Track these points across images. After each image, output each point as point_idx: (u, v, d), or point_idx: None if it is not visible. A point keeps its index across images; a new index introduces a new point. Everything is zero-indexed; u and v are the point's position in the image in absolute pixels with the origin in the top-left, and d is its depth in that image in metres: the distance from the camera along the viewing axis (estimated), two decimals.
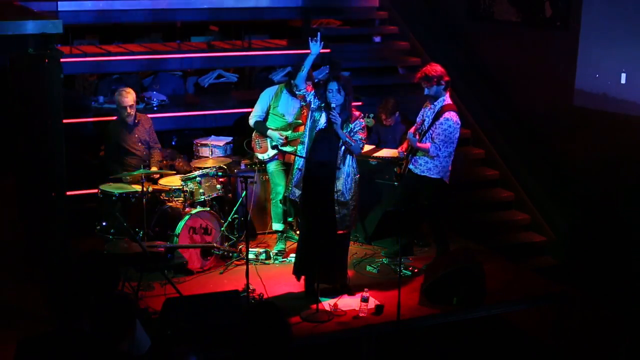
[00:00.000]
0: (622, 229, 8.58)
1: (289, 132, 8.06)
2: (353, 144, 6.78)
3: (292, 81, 7.98)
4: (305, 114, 7.95)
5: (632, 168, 8.42)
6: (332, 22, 11.63)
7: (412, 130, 7.48)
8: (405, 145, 7.88)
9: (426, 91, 7.44)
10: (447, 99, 7.43)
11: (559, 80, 9.24)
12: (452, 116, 7.30)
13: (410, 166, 7.55)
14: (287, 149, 7.93)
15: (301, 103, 6.94)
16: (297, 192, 6.89)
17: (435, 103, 7.41)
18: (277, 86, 8.20)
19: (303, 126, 7.95)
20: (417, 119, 7.65)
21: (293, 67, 8.30)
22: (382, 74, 11.11)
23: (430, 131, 7.37)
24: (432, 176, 7.42)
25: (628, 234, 8.50)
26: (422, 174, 7.45)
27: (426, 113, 7.51)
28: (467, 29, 10.73)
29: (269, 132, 8.06)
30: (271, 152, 8.09)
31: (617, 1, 8.57)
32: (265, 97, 8.15)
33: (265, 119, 8.16)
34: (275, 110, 8.08)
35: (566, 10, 9.13)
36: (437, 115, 7.35)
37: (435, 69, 7.39)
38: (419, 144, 7.34)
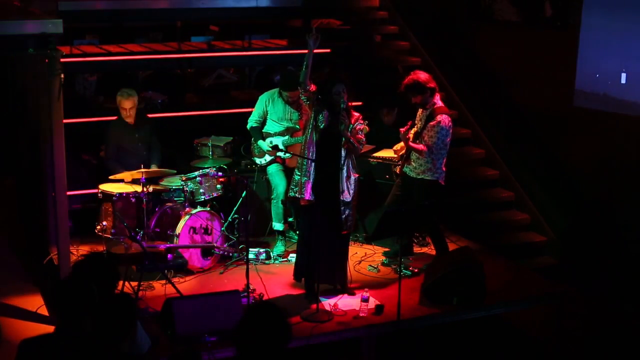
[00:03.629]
0: (622, 229, 8.58)
1: (287, 137, 8.05)
2: (355, 145, 6.79)
3: (282, 91, 7.98)
4: (303, 119, 7.96)
5: (632, 168, 8.42)
6: (332, 22, 11.62)
7: (402, 130, 7.44)
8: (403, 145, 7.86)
9: (413, 100, 7.45)
10: (437, 101, 7.43)
11: (559, 80, 9.23)
12: (443, 119, 7.31)
13: (405, 169, 7.55)
14: (283, 154, 7.96)
15: (306, 102, 6.91)
16: (307, 193, 6.85)
17: (426, 107, 7.43)
18: (273, 91, 8.17)
19: (301, 131, 7.97)
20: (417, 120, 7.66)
21: (281, 75, 8.30)
22: (382, 74, 11.11)
23: (423, 134, 7.37)
24: (427, 178, 7.43)
25: (628, 233, 8.50)
26: (418, 177, 7.45)
27: (419, 116, 7.53)
28: (467, 29, 10.73)
29: (259, 142, 8.07)
30: (268, 157, 8.10)
31: (617, 1, 8.57)
32: (261, 102, 8.14)
33: (264, 123, 8.16)
34: (272, 115, 8.08)
35: (566, 10, 9.13)
36: (429, 118, 7.36)
37: (417, 77, 7.38)
38: (411, 144, 7.34)
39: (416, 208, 6.97)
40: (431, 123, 7.33)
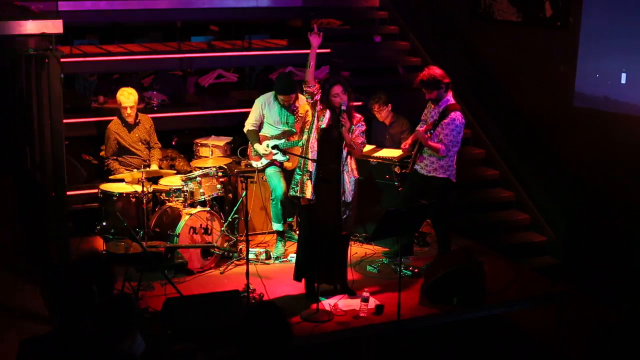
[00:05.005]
0: (622, 229, 8.57)
1: (283, 140, 8.04)
2: (356, 146, 6.78)
3: (278, 95, 7.96)
4: (299, 122, 7.96)
5: (632, 168, 8.42)
6: (332, 22, 11.63)
7: (422, 129, 7.41)
8: (409, 142, 7.80)
9: (427, 95, 7.40)
10: (450, 99, 7.39)
11: (559, 80, 9.23)
12: (457, 116, 7.27)
13: (416, 166, 7.52)
14: (281, 157, 7.95)
15: (309, 100, 6.90)
16: (308, 192, 6.82)
17: (439, 104, 7.38)
18: (269, 94, 8.15)
19: (297, 135, 7.97)
20: (422, 117, 7.62)
21: (276, 79, 8.28)
22: (382, 74, 11.11)
23: (437, 132, 7.32)
24: (439, 176, 7.39)
25: (628, 233, 8.50)
26: (429, 175, 7.41)
27: (430, 113, 7.48)
28: (467, 29, 10.73)
29: (255, 145, 8.07)
30: (265, 161, 8.09)
31: (617, 1, 8.57)
32: (258, 106, 8.12)
33: (261, 126, 8.15)
34: (268, 119, 8.07)
35: (566, 10, 9.13)
36: (442, 116, 7.31)
37: (433, 72, 7.32)
38: (430, 142, 7.29)
39: (417, 207, 6.96)
40: (445, 121, 7.27)
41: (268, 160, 8.07)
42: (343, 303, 6.89)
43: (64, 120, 7.15)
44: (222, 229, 7.79)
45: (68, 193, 7.42)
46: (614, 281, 8.42)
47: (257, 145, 8.07)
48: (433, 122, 7.33)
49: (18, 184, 9.73)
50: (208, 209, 7.74)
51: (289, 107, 8.00)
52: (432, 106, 7.45)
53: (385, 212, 6.51)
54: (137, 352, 4.50)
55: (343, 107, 6.70)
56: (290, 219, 8.37)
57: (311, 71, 6.84)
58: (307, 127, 6.95)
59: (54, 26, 6.77)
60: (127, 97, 8.14)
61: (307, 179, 6.82)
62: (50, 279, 7.49)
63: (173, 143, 9.54)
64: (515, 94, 9.95)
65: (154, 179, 8.02)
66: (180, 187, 7.75)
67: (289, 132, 8.05)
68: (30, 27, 6.78)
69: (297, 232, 7.91)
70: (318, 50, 6.95)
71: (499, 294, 7.13)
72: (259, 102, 8.13)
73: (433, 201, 7.15)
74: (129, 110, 8.16)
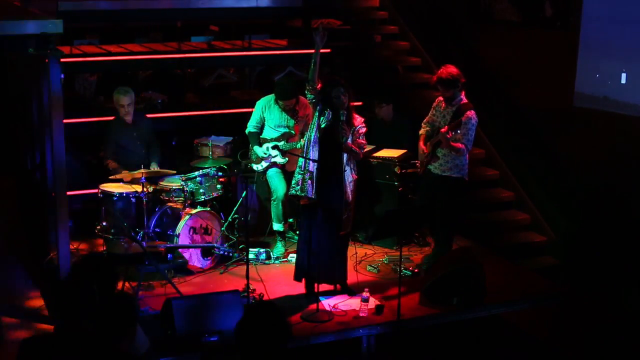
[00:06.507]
0: (622, 229, 8.57)
1: (282, 142, 8.03)
2: (357, 151, 6.78)
3: (278, 100, 7.97)
4: (300, 125, 7.96)
5: (632, 168, 8.42)
6: (332, 22, 11.64)
7: (443, 130, 7.35)
8: (425, 144, 7.66)
9: (443, 94, 7.38)
10: (463, 98, 7.38)
11: (559, 80, 9.23)
12: (472, 115, 7.24)
13: (430, 166, 7.49)
14: (280, 160, 7.94)
15: (311, 99, 6.89)
16: (309, 191, 6.81)
17: (452, 103, 7.36)
18: (269, 97, 8.15)
19: (297, 137, 7.97)
20: (427, 119, 7.58)
21: (276, 84, 8.28)
22: (382, 74, 11.11)
23: (453, 131, 7.26)
24: (454, 175, 7.37)
25: (628, 233, 8.50)
26: (444, 174, 7.39)
27: (442, 113, 7.43)
28: (467, 29, 10.73)
29: (255, 147, 8.08)
30: (265, 163, 8.09)
31: (617, 0, 8.57)
32: (258, 109, 8.13)
33: (263, 128, 8.15)
34: (269, 122, 8.07)
35: (566, 10, 9.13)
36: (456, 115, 7.28)
37: (452, 71, 7.30)
38: (452, 143, 7.21)
39: (417, 208, 6.96)
40: (461, 119, 7.24)
41: (268, 163, 8.07)
42: (343, 303, 6.89)
43: (64, 120, 7.15)
44: (222, 229, 7.80)
45: (68, 193, 7.42)
46: (614, 281, 8.42)
47: (257, 148, 8.09)
48: (455, 123, 7.24)
49: (19, 185, 9.74)
50: (208, 209, 7.74)
51: (290, 111, 8.01)
52: (444, 105, 7.41)
53: (385, 212, 6.51)
54: (139, 352, 4.50)
55: (343, 118, 6.69)
56: (290, 220, 8.37)
57: (315, 71, 6.84)
58: (308, 128, 6.95)
59: (54, 26, 6.76)
60: (124, 94, 8.14)
61: (308, 178, 6.81)
62: (50, 279, 7.49)
63: (173, 143, 9.53)
64: (515, 94, 9.95)
65: (154, 179, 8.02)
66: (180, 187, 7.75)
67: (288, 134, 8.06)
68: (30, 27, 6.77)
69: (297, 232, 7.91)
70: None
71: (499, 294, 7.13)
72: (259, 104, 8.14)
73: (445, 199, 7.12)
74: (126, 109, 8.15)
